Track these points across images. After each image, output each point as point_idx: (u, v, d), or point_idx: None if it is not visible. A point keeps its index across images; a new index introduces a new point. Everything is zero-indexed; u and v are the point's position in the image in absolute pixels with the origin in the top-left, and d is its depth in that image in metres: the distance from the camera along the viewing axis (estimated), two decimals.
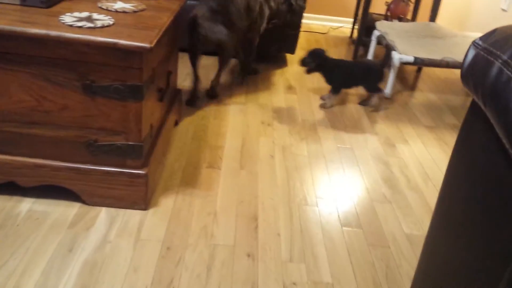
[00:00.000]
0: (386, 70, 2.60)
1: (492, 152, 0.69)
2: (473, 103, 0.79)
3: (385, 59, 2.72)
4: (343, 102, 2.23)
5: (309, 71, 2.13)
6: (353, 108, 2.18)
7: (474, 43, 0.77)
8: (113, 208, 1.34)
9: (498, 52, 0.67)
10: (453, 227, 0.80)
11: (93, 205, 1.34)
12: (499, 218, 0.66)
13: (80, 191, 1.33)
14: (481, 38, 0.76)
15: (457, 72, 2.91)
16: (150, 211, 1.34)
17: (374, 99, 2.21)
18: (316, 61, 2.08)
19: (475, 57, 0.74)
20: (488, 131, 0.71)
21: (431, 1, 2.90)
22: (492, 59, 0.68)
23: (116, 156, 1.29)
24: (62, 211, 1.30)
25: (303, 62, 2.10)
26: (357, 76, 2.16)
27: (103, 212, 1.32)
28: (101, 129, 1.26)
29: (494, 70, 0.66)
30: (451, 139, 2.00)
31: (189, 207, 1.38)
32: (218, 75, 2.09)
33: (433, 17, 2.89)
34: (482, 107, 0.69)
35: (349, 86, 2.24)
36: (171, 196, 1.42)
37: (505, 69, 0.64)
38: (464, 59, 0.77)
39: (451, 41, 2.67)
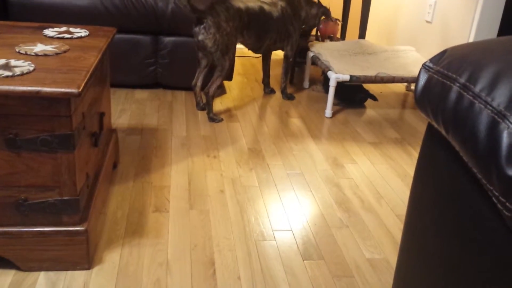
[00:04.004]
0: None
1: (460, 180, 0.66)
2: (430, 128, 0.76)
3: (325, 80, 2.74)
4: (283, 122, 2.20)
5: None
6: (296, 129, 2.16)
7: (424, 66, 0.74)
8: (52, 272, 1.20)
9: (454, 75, 0.64)
10: (425, 259, 0.76)
11: (29, 271, 1.19)
12: (475, 248, 0.63)
13: (13, 257, 1.18)
14: (431, 60, 0.73)
15: (391, 86, 2.98)
16: (95, 270, 1.21)
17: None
18: None
19: (429, 80, 0.71)
20: (452, 157, 0.68)
21: (359, 18, 2.97)
22: (448, 83, 0.65)
23: (50, 214, 1.16)
24: None
25: None
26: None
27: (42, 278, 1.18)
28: (31, 186, 1.13)
29: (453, 95, 0.63)
30: (395, 153, 2.02)
31: (138, 259, 1.27)
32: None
33: (362, 34, 2.96)
34: (444, 133, 0.66)
35: None
36: (116, 249, 1.30)
37: (465, 93, 0.61)
38: (417, 83, 0.74)
39: (382, 56, 2.73)
